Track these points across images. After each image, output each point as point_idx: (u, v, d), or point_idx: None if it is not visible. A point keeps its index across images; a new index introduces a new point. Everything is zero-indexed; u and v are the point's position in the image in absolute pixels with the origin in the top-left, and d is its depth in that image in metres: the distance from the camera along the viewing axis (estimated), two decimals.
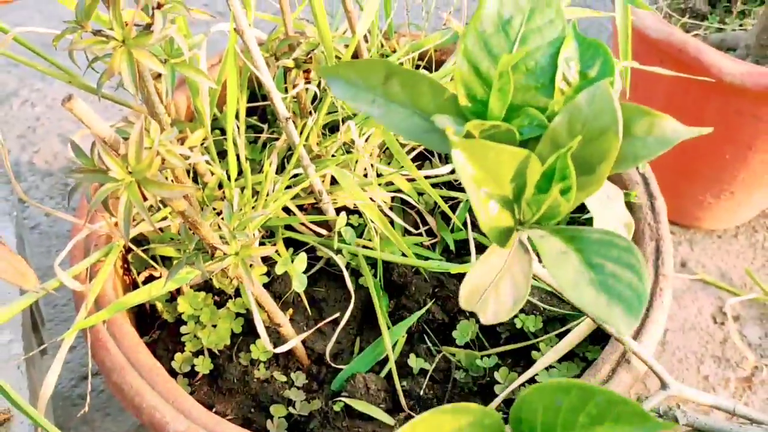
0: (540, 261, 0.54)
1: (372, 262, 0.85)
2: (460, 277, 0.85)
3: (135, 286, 0.82)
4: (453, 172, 0.92)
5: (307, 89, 0.85)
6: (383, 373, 0.78)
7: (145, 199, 0.52)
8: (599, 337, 0.77)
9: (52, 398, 0.83)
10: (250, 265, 0.65)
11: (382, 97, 0.53)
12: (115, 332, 0.72)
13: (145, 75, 0.63)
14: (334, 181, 0.87)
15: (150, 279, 0.82)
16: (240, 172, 0.83)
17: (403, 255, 0.82)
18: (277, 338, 0.76)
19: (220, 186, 0.85)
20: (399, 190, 0.88)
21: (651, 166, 0.88)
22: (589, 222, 0.89)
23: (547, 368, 0.76)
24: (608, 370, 0.70)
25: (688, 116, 1.09)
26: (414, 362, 0.79)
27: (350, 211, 0.88)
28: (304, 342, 0.80)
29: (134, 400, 0.68)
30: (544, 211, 0.48)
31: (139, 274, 0.82)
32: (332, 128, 0.93)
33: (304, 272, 0.81)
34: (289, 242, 0.87)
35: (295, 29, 0.83)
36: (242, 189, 0.81)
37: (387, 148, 0.91)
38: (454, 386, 0.78)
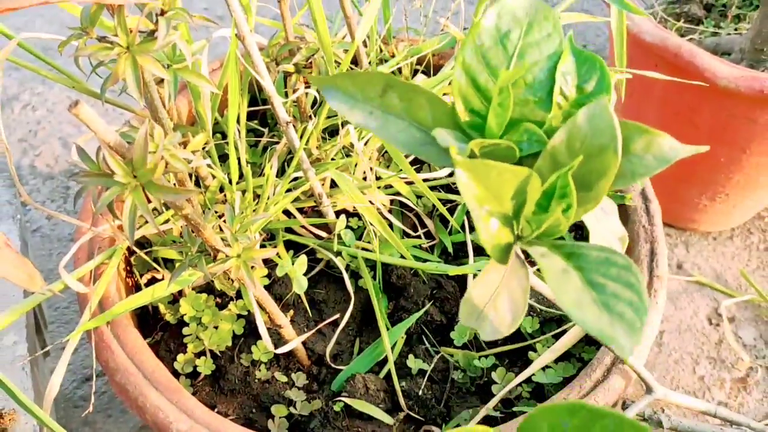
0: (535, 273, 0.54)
1: (371, 264, 0.86)
2: (458, 279, 0.86)
3: (137, 288, 0.83)
4: (451, 175, 0.93)
5: (307, 93, 0.86)
6: (382, 374, 0.79)
7: (149, 202, 0.52)
8: (595, 338, 0.78)
9: (54, 400, 0.83)
10: (252, 268, 0.66)
11: (379, 109, 0.53)
12: (119, 333, 0.73)
13: (148, 80, 0.64)
14: (333, 184, 0.88)
15: (152, 281, 0.83)
16: (241, 176, 0.84)
17: (402, 257, 0.83)
18: (278, 339, 0.77)
19: (221, 189, 0.85)
20: (398, 193, 0.89)
21: None
22: (578, 229, 0.90)
23: (543, 368, 0.77)
24: (603, 371, 0.71)
25: (683, 119, 1.10)
26: (413, 363, 0.80)
27: (350, 214, 0.89)
28: (304, 343, 0.81)
29: (138, 400, 0.69)
30: (545, 228, 0.48)
31: (141, 276, 0.83)
32: (332, 132, 0.94)
33: (305, 274, 0.82)
34: (289, 244, 0.88)
35: (295, 34, 0.84)
36: (243, 192, 0.82)
37: (386, 152, 0.92)
38: (452, 386, 0.79)
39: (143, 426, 1.06)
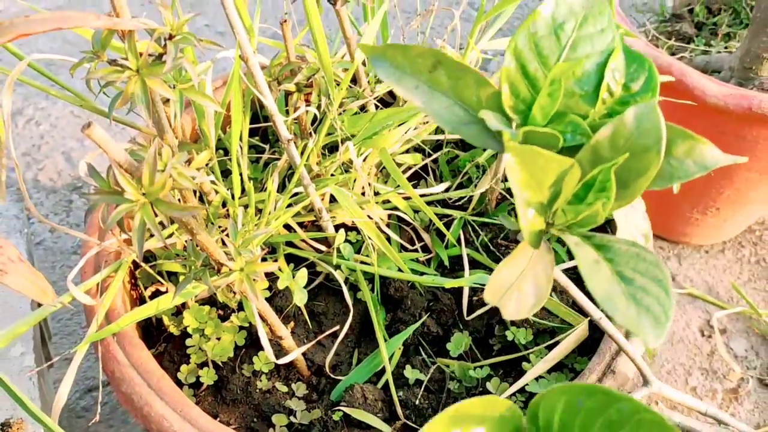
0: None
1: (369, 277, 0.88)
2: (454, 291, 0.87)
3: (142, 300, 0.85)
4: (447, 190, 0.95)
5: (307, 111, 0.87)
6: (380, 384, 0.81)
7: (155, 216, 0.54)
8: (587, 349, 0.80)
9: None
10: (254, 281, 0.68)
11: (426, 84, 0.52)
12: (124, 345, 0.75)
13: (155, 100, 0.67)
14: (333, 200, 0.89)
15: (156, 294, 0.85)
16: (243, 191, 0.86)
17: (400, 270, 0.85)
18: (279, 350, 0.79)
19: (224, 204, 0.87)
20: (395, 208, 0.91)
21: None
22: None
23: (536, 378, 0.78)
24: (594, 380, 0.73)
25: None
26: (410, 373, 0.81)
27: (349, 228, 0.90)
28: (304, 354, 0.82)
29: (143, 409, 0.71)
30: (581, 219, 0.49)
31: (146, 289, 0.85)
32: (331, 149, 0.96)
33: (305, 287, 0.83)
34: (290, 258, 0.90)
35: (297, 54, 0.86)
36: (245, 207, 0.84)
37: (384, 168, 0.94)
38: (448, 396, 0.81)
39: None
